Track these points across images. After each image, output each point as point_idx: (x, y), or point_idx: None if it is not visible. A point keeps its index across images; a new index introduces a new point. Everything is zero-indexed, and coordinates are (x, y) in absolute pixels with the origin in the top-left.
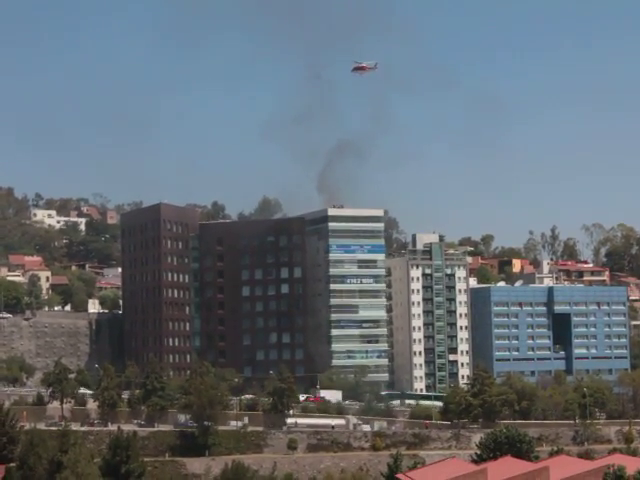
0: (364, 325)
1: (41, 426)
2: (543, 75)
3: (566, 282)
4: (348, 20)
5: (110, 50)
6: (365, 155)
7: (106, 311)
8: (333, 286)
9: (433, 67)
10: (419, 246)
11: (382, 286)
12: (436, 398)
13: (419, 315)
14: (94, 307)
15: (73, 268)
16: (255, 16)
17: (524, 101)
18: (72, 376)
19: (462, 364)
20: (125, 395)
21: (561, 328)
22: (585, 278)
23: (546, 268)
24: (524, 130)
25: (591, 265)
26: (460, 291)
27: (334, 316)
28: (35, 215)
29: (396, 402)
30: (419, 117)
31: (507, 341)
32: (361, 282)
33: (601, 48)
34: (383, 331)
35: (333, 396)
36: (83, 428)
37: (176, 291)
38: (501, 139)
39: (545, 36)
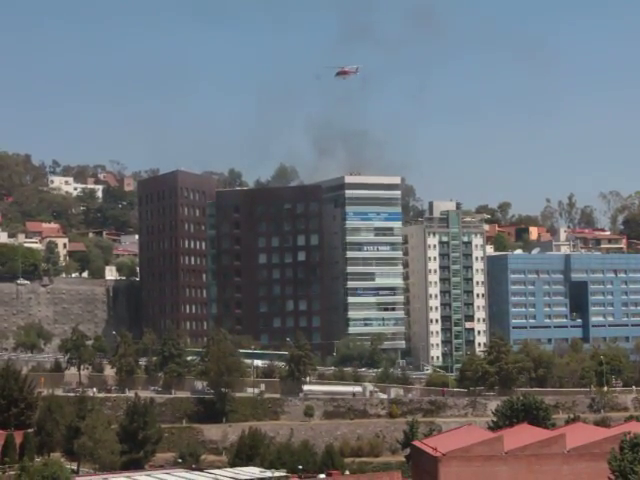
0: (381, 293)
1: (59, 392)
2: (582, 35)
3: (583, 250)
4: None
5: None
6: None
7: (123, 278)
8: (350, 254)
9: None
10: (436, 214)
11: (399, 254)
12: None
13: (436, 283)
14: (111, 274)
15: (90, 235)
16: None
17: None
18: (89, 343)
19: (479, 332)
20: (142, 362)
21: (578, 296)
22: (602, 246)
23: (563, 236)
24: (552, 94)
25: (608, 233)
26: (477, 259)
27: (351, 284)
28: (52, 182)
29: None
30: (457, 72)
31: (524, 309)
32: (378, 250)
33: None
34: (400, 299)
35: None
36: (100, 394)
37: (193, 258)
38: (530, 99)
39: None
